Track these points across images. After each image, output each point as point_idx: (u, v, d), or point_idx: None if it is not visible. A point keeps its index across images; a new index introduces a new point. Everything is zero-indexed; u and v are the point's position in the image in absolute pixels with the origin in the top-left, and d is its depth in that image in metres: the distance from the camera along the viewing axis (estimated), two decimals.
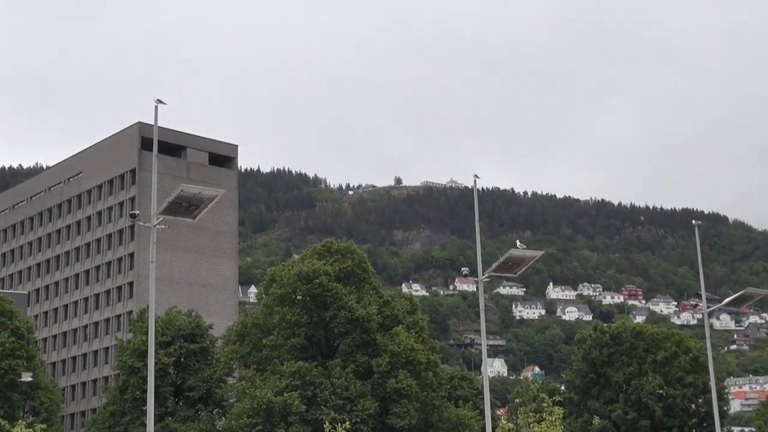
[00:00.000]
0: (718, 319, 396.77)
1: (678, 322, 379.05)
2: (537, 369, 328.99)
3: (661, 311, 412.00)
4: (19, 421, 53.34)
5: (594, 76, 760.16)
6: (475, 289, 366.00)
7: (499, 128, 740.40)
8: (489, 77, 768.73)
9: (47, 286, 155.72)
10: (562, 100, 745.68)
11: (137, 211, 36.84)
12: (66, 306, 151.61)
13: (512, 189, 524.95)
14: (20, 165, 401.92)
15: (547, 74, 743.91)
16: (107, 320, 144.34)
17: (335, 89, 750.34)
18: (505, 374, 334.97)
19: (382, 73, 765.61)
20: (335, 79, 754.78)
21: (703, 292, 51.02)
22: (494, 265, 38.11)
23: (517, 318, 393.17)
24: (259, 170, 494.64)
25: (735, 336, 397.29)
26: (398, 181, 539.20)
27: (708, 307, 50.51)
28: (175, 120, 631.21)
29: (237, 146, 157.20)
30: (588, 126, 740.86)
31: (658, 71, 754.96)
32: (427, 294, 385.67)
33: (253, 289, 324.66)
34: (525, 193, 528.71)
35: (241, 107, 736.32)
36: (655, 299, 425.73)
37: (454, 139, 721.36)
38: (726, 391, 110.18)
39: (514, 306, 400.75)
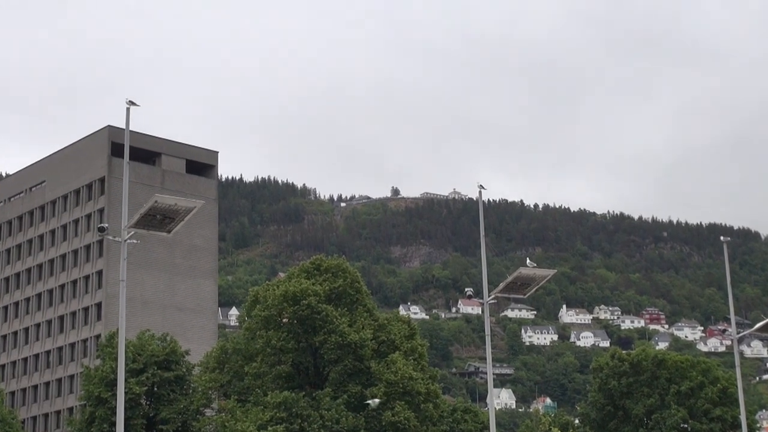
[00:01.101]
0: (748, 346, 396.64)
1: (704, 349, 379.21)
2: (548, 400, 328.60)
3: (686, 337, 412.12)
4: None
5: (614, 78, 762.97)
6: (480, 312, 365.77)
7: (508, 135, 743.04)
8: (498, 79, 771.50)
9: (6, 307, 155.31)
10: (579, 104, 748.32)
11: (106, 225, 36.88)
12: (27, 329, 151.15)
13: (521, 201, 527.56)
14: None
15: (563, 76, 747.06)
16: (72, 345, 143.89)
17: (326, 91, 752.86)
18: (513, 406, 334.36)
19: (378, 73, 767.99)
20: (326, 81, 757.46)
21: (732, 316, 51.04)
22: (501, 285, 38.70)
23: (527, 344, 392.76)
24: (241, 179, 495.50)
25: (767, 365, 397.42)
26: (395, 192, 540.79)
27: (738, 333, 50.54)
28: (148, 123, 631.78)
29: (217, 153, 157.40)
30: (606, 132, 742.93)
31: (683, 73, 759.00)
32: (427, 317, 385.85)
33: (234, 311, 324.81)
34: (536, 205, 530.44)
35: (222, 110, 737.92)
36: (680, 324, 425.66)
37: (457, 147, 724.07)
38: (757, 425, 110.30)
39: (523, 331, 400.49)
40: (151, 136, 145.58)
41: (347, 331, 79.47)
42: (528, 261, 41.48)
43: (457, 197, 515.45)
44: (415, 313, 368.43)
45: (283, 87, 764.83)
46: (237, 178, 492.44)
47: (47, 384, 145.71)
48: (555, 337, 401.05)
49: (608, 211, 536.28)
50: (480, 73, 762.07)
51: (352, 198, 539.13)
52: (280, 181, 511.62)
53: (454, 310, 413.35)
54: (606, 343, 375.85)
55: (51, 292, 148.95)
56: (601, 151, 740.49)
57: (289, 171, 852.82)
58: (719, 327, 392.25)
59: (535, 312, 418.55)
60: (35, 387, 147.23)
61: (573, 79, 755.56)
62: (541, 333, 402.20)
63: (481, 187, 42.40)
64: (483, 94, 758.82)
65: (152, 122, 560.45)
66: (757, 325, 47.87)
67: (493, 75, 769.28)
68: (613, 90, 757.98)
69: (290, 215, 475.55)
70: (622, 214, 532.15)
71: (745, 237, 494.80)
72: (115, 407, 41.52)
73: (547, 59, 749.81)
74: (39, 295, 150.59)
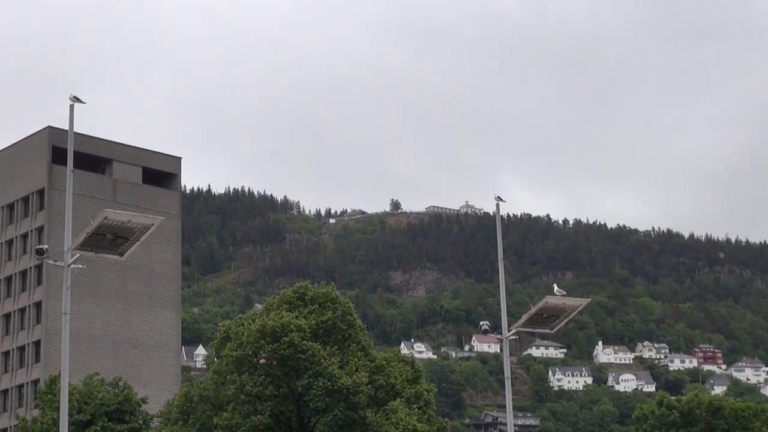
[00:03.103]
0: None
1: None
2: None
3: (747, 379, 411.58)
4: None
5: (662, 70, 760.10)
6: (498, 351, 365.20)
7: (534, 136, 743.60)
8: (523, 70, 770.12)
9: None
10: (620, 100, 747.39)
11: (46, 246, 36.82)
12: None
13: (548, 216, 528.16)
14: None
15: (601, 67, 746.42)
16: (5, 392, 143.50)
17: (312, 86, 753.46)
18: None
19: (375, 66, 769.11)
20: (312, 73, 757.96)
21: None
22: (524, 317, 39.07)
23: (555, 389, 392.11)
24: (209, 191, 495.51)
25: None
26: (396, 205, 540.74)
27: None
28: (97, 125, 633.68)
29: (180, 159, 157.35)
30: (653, 134, 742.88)
31: (750, 63, 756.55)
32: (435, 357, 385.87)
33: (200, 351, 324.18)
34: (565, 221, 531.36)
35: (187, 109, 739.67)
36: (740, 363, 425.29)
37: (471, 150, 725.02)
38: None
39: (551, 373, 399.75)
40: (100, 139, 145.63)
41: (338, 373, 79.28)
42: (556, 288, 41.55)
43: (470, 212, 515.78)
44: (420, 351, 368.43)
45: (261, 81, 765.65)
46: (204, 189, 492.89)
47: None
48: (589, 381, 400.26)
49: (653, 228, 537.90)
50: (500, 61, 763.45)
51: (344, 213, 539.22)
52: (256, 193, 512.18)
53: (467, 348, 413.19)
54: (651, 388, 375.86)
55: None
56: (646, 157, 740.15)
57: (267, 181, 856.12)
58: None
59: (565, 350, 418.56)
60: None
61: (614, 70, 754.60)
62: (573, 375, 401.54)
63: (499, 198, 42.42)
64: (503, 88, 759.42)
65: (102, 123, 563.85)
66: None
67: (516, 64, 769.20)
68: (663, 83, 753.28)
69: (269, 234, 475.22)
70: (669, 231, 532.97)
71: None
72: None
73: (583, 45, 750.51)
74: None
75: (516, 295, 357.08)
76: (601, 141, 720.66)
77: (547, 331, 40.59)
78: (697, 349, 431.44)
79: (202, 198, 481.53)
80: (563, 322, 40.18)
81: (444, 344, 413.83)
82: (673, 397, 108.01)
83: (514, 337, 40.89)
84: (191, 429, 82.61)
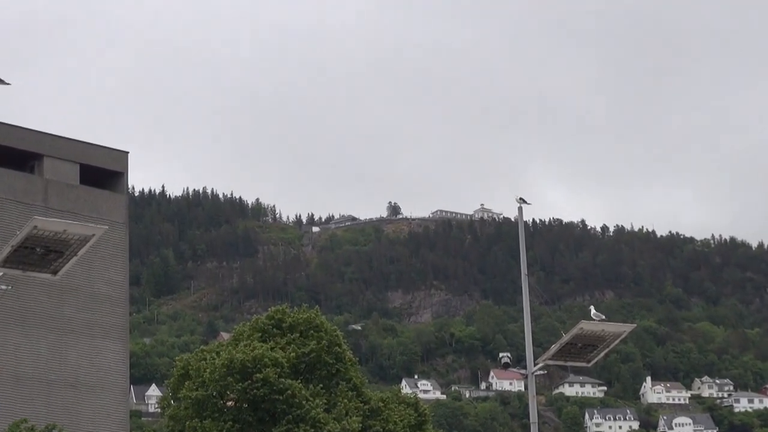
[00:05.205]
0: None
1: None
2: None
3: None
4: None
5: (732, 42, 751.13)
6: (522, 389, 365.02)
7: (568, 125, 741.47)
8: (558, 42, 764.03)
9: None
10: (677, 80, 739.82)
11: None
12: None
13: (583, 222, 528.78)
14: None
15: (656, 39, 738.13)
16: None
17: (290, 68, 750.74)
18: None
19: (368, 38, 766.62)
20: (290, 54, 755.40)
21: None
22: (554, 347, 39.25)
23: None
24: (163, 193, 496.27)
25: None
26: (394, 209, 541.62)
27: None
28: (27, 114, 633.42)
29: (127, 154, 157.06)
30: (716, 122, 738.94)
31: None
32: (444, 396, 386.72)
33: (154, 391, 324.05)
34: (605, 228, 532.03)
35: (136, 95, 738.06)
36: None
37: (488, 141, 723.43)
38: None
39: (587, 416, 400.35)
40: (28, 129, 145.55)
41: (324, 418, 79.36)
42: (593, 311, 41.55)
43: (486, 217, 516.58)
44: (426, 390, 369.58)
45: (226, 60, 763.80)
46: (157, 191, 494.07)
47: None
48: (635, 425, 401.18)
49: (713, 237, 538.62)
50: (527, 31, 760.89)
51: (330, 220, 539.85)
52: (221, 196, 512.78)
53: (483, 385, 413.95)
54: None
55: None
56: (706, 150, 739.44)
57: (234, 181, 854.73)
58: None
59: (605, 388, 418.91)
60: None
61: (670, 43, 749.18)
62: (615, 419, 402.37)
63: (522, 200, 42.65)
64: (531, 62, 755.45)
65: (31, 111, 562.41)
66: None
67: (549, 35, 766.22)
68: (730, 60, 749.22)
69: (237, 246, 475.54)
70: (734, 240, 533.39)
71: None
72: None
73: (636, 7, 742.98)
74: None
75: (544, 320, 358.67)
76: (652, 129, 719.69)
77: (583, 364, 40.64)
78: (767, 387, 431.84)
79: (154, 202, 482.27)
80: (602, 354, 40.23)
81: (455, 381, 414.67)
82: None
83: (541, 372, 41.32)
84: None
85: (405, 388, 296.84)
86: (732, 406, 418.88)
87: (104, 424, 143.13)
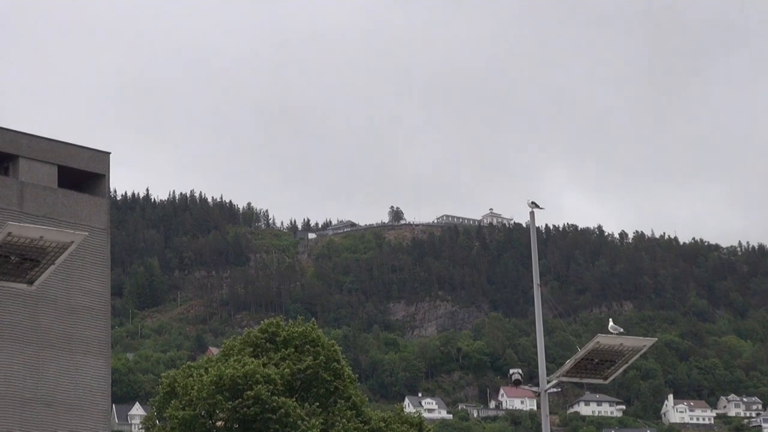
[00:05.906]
0: None
1: None
2: None
3: None
4: None
5: (764, 43, 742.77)
6: (534, 408, 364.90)
7: (583, 124, 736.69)
8: (570, 34, 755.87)
9: None
10: (704, 76, 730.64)
11: None
12: None
13: (600, 228, 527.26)
14: None
15: (683, 31, 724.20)
16: None
17: (285, 63, 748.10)
18: None
19: (370, 29, 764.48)
20: (285, 46, 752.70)
21: None
22: (568, 363, 38.74)
23: None
24: (148, 198, 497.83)
25: None
26: (397, 215, 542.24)
27: None
28: (1, 112, 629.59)
29: (109, 155, 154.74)
30: (745, 123, 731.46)
31: None
32: (450, 416, 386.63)
33: (137, 410, 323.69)
34: (623, 235, 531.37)
35: (118, 91, 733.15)
36: None
37: (498, 141, 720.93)
38: None
39: None
40: (3, 129, 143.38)
41: None
42: (611, 324, 41.38)
43: (495, 222, 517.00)
44: (431, 409, 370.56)
45: (215, 52, 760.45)
46: (141, 195, 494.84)
47: None
48: None
49: (740, 244, 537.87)
50: (546, 23, 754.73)
51: (327, 226, 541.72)
52: (210, 200, 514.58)
53: (492, 404, 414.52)
54: None
55: None
56: (733, 149, 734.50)
57: (224, 184, 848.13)
58: None
59: (623, 407, 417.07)
60: None
61: (696, 40, 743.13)
62: None
63: (534, 205, 42.39)
64: (546, 59, 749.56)
65: (7, 109, 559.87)
66: None
67: (565, 27, 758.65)
68: (761, 53, 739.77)
69: (227, 254, 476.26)
70: (762, 247, 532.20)
71: None
72: None
73: (655, 9, 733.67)
74: None
75: (558, 333, 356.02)
76: (676, 130, 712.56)
77: (600, 381, 39.87)
78: None
79: (138, 206, 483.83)
80: (621, 370, 39.44)
81: (462, 399, 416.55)
82: None
83: (555, 389, 40.86)
84: None
85: (408, 406, 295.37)
86: (761, 426, 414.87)
87: None
